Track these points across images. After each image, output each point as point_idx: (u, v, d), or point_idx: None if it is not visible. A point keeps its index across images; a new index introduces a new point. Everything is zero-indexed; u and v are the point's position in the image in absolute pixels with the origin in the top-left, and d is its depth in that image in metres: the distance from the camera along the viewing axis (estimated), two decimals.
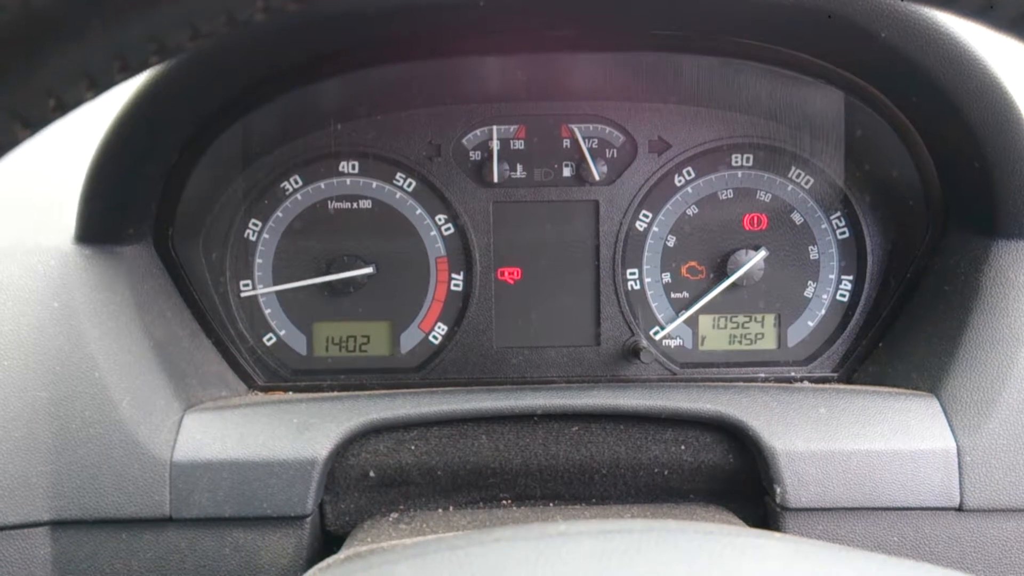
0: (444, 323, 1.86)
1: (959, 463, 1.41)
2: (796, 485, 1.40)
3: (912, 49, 1.39)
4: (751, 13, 1.46)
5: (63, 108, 0.47)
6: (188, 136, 1.58)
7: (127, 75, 0.47)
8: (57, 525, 1.37)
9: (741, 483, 1.49)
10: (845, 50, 1.53)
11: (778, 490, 1.40)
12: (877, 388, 1.57)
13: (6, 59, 0.43)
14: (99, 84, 0.47)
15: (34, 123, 0.47)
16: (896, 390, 1.54)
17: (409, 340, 1.86)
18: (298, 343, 1.85)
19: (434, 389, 1.58)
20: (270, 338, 1.84)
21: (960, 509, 1.41)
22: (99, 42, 0.45)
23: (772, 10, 1.39)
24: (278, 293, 1.84)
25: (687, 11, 1.51)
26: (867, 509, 1.41)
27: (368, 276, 1.82)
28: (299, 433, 1.43)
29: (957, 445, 1.41)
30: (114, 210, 1.55)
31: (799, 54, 1.58)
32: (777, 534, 0.94)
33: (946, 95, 1.43)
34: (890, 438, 1.43)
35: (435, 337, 1.86)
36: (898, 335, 1.71)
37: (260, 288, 1.83)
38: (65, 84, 0.46)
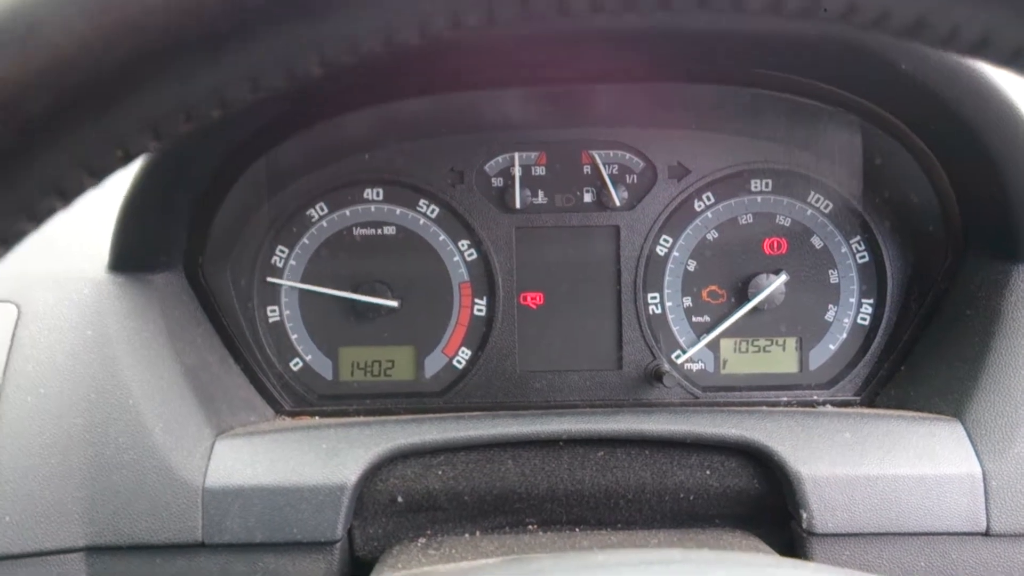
0: (468, 348, 1.87)
1: (985, 488, 1.41)
2: (822, 511, 1.40)
3: (933, 79, 1.40)
4: (776, 48, 1.48)
5: (128, 158, 0.49)
6: (218, 166, 1.60)
7: (191, 125, 0.50)
8: (92, 551, 1.39)
9: (767, 508, 1.50)
10: (865, 80, 1.55)
11: (804, 516, 1.41)
12: (901, 412, 1.58)
13: (79, 111, 0.46)
14: (163, 135, 0.49)
15: (99, 173, 0.49)
16: (920, 414, 1.55)
17: (433, 365, 1.88)
18: (324, 368, 1.88)
19: (460, 414, 1.60)
20: (297, 363, 1.87)
21: (987, 534, 1.41)
22: (169, 95, 0.47)
23: (799, 44, 1.41)
24: (305, 319, 1.86)
25: (713, 48, 1.53)
26: (893, 534, 1.42)
27: (393, 301, 1.84)
28: (328, 459, 1.45)
29: (983, 470, 1.42)
30: (147, 239, 1.58)
31: (818, 83, 1.60)
32: (811, 564, 0.94)
33: (966, 123, 1.45)
34: (915, 463, 1.43)
35: (459, 362, 1.88)
36: (920, 359, 1.72)
37: (287, 313, 1.86)
38: (133, 135, 0.48)
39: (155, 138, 0.49)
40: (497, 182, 1.86)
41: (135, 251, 1.57)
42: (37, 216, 0.49)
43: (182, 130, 0.50)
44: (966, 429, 1.47)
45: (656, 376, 1.80)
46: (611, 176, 1.85)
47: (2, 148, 0.45)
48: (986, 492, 1.41)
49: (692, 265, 1.86)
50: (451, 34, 0.49)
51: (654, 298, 1.86)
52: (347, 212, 1.86)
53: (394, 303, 1.84)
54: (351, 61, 0.50)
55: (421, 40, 0.50)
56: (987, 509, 1.41)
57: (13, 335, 1.48)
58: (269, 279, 1.85)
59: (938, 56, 1.38)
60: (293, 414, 1.78)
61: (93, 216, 1.62)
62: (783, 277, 1.82)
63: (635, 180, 1.86)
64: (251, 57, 0.48)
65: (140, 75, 0.46)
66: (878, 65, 1.41)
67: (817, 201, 1.84)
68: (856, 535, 1.42)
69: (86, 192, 0.50)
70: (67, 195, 0.49)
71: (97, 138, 0.47)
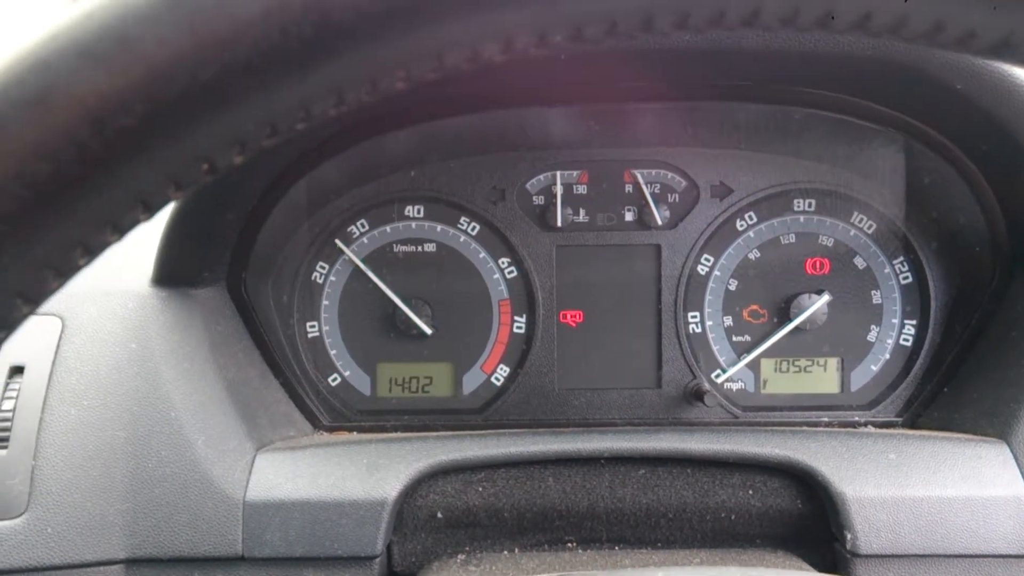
0: (506, 365, 1.87)
1: None
2: (867, 531, 1.39)
3: (986, 100, 1.40)
4: (826, 67, 1.47)
5: (215, 172, 0.49)
6: (266, 185, 1.62)
7: (274, 140, 0.50)
8: (132, 563, 1.39)
9: (809, 529, 1.49)
10: (914, 99, 1.54)
11: (848, 536, 1.39)
12: (946, 434, 1.56)
13: (170, 125, 0.46)
14: (248, 149, 0.49)
15: (184, 185, 0.50)
16: (965, 436, 1.53)
17: (471, 382, 1.88)
18: (362, 384, 1.88)
19: (500, 431, 1.59)
20: (335, 378, 1.87)
21: None
22: (257, 109, 0.47)
23: (849, 64, 1.41)
24: (343, 335, 1.87)
25: (760, 67, 1.52)
26: (938, 556, 1.40)
27: (430, 319, 1.84)
28: (369, 474, 1.45)
29: None
30: (191, 255, 1.59)
31: (864, 102, 1.59)
32: None
33: (1018, 145, 1.44)
34: (961, 485, 1.41)
35: (497, 379, 1.87)
36: (964, 381, 1.70)
37: (326, 329, 1.87)
38: (219, 149, 0.48)
39: (241, 152, 0.49)
40: (538, 200, 1.86)
41: (179, 266, 1.58)
42: (122, 227, 0.50)
43: (266, 144, 0.50)
44: (1012, 451, 1.46)
45: (697, 395, 1.79)
46: (653, 195, 1.84)
47: (95, 159, 0.45)
48: None
49: (733, 284, 1.85)
50: (537, 51, 0.49)
51: (694, 317, 1.86)
52: (387, 228, 1.86)
53: (427, 330, 1.84)
54: (435, 77, 0.50)
55: (504, 56, 0.50)
56: None
57: (57, 348, 1.49)
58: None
59: (993, 76, 1.37)
60: (331, 429, 1.78)
61: (138, 231, 1.63)
62: (825, 297, 1.81)
63: (677, 199, 1.85)
64: (338, 72, 0.48)
65: (231, 89, 0.46)
66: (930, 84, 1.41)
67: (860, 221, 1.83)
68: (900, 556, 1.40)
69: (168, 204, 0.50)
70: (152, 207, 0.50)
71: (185, 151, 0.47)
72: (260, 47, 0.45)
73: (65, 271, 0.50)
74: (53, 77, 0.44)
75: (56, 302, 1.53)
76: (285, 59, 0.46)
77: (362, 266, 1.84)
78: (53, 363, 1.47)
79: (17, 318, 0.50)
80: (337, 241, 1.86)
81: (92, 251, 0.50)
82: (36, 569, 1.36)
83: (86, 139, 0.45)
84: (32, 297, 0.50)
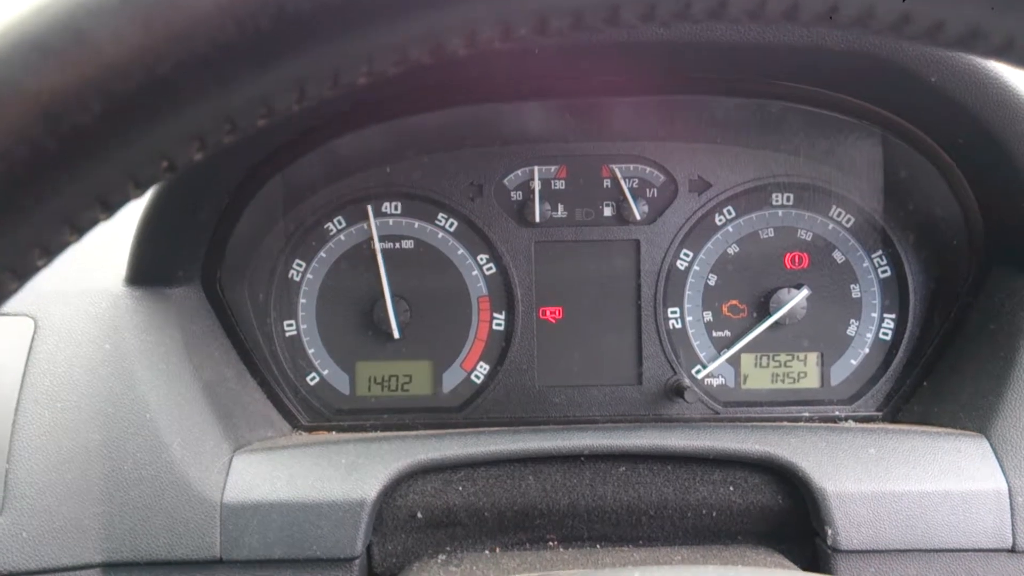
0: (486, 362, 1.86)
1: (1011, 504, 1.40)
2: (847, 527, 1.39)
3: (961, 92, 1.39)
4: (803, 61, 1.47)
5: (174, 169, 0.48)
6: (238, 181, 1.60)
7: (235, 136, 0.49)
8: (109, 567, 1.37)
9: (790, 524, 1.48)
10: (890, 92, 1.54)
11: (829, 532, 1.39)
12: (925, 428, 1.56)
13: (128, 121, 0.45)
14: (208, 145, 0.48)
15: (144, 183, 0.48)
16: (945, 430, 1.53)
17: (451, 379, 1.87)
18: (341, 383, 1.87)
19: (480, 429, 1.58)
20: (313, 378, 1.86)
21: (1013, 550, 1.39)
22: (216, 104, 0.46)
23: (825, 57, 1.41)
24: (321, 333, 1.86)
25: (737, 60, 1.52)
26: (919, 551, 1.40)
27: (408, 316, 1.83)
28: (348, 474, 1.43)
29: (1009, 486, 1.40)
30: (165, 254, 1.57)
31: (841, 96, 1.59)
32: None
33: (993, 137, 1.44)
34: (941, 479, 1.42)
35: (477, 376, 1.86)
36: (943, 374, 1.70)
37: (304, 327, 1.85)
38: (179, 145, 0.47)
39: (200, 148, 0.48)
40: (516, 196, 1.85)
41: (153, 265, 1.56)
42: (80, 227, 0.49)
43: (227, 140, 0.49)
44: (992, 445, 1.46)
45: (677, 391, 1.79)
46: (631, 190, 1.84)
47: (49, 157, 0.44)
48: (1012, 508, 1.40)
49: (713, 279, 1.85)
50: (502, 45, 0.48)
51: (674, 312, 1.85)
52: (364, 226, 1.85)
53: (396, 333, 1.84)
54: (398, 71, 0.49)
55: (468, 50, 0.49)
56: (1013, 525, 1.39)
57: (30, 349, 1.47)
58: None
59: (967, 69, 1.37)
60: (310, 429, 1.77)
61: (110, 230, 1.61)
62: (804, 292, 1.80)
63: (655, 194, 1.85)
64: (297, 66, 0.47)
65: (187, 84, 0.45)
66: (905, 78, 1.41)
67: (839, 215, 1.83)
68: (881, 551, 1.40)
69: (129, 203, 0.49)
70: (111, 206, 0.48)
71: (144, 148, 0.46)
72: (216, 41, 0.44)
73: (23, 273, 0.49)
74: (4, 72, 0.43)
75: (29, 302, 1.51)
76: (242, 53, 0.45)
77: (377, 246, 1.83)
78: (26, 364, 1.45)
79: None
80: (369, 208, 1.85)
81: (51, 252, 0.49)
82: (11, 574, 1.34)
83: (40, 136, 0.44)
84: None
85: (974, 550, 1.40)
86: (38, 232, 0.47)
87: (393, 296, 1.82)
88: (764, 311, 1.82)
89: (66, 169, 0.45)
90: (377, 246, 1.83)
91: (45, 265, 0.50)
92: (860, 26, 0.49)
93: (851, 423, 1.70)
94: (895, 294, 1.83)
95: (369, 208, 1.83)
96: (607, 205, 1.86)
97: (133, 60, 0.43)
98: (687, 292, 1.85)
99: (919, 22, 0.49)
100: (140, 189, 0.49)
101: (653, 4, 0.47)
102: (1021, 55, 0.51)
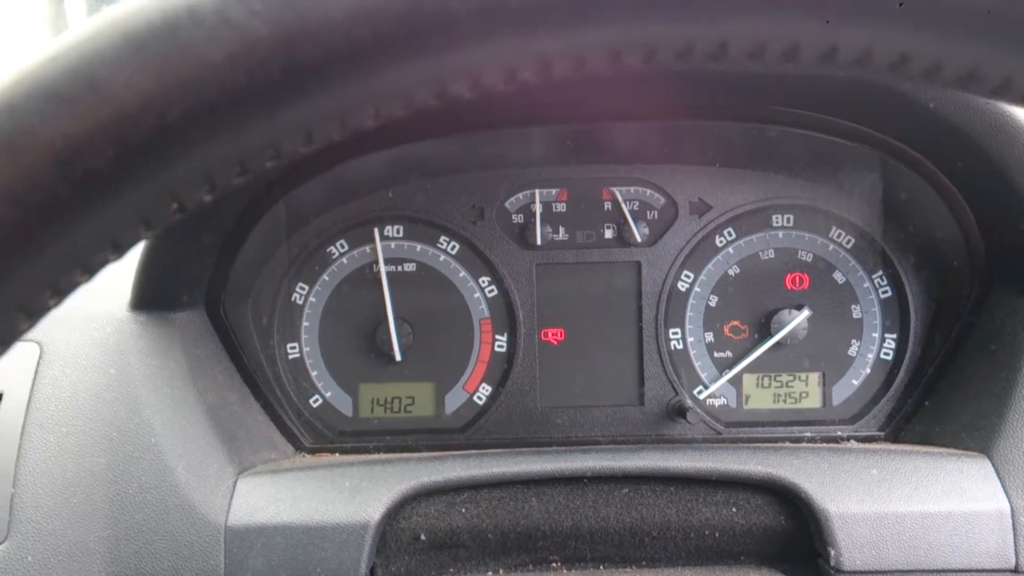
0: (488, 384, 1.87)
1: (1013, 524, 1.40)
2: (850, 548, 1.39)
3: (959, 118, 1.41)
4: (803, 88, 1.49)
5: (184, 211, 0.49)
6: (243, 207, 1.61)
7: (244, 178, 0.50)
8: None
9: (793, 545, 1.49)
10: (890, 118, 1.56)
11: (832, 553, 1.39)
12: (928, 448, 1.57)
13: (139, 165, 0.46)
14: (217, 187, 0.49)
15: (154, 225, 0.49)
16: (947, 450, 1.54)
17: (454, 401, 1.88)
18: (344, 405, 1.87)
19: (484, 451, 1.59)
20: (316, 400, 1.86)
21: (1016, 571, 1.39)
22: (226, 148, 0.47)
23: (825, 85, 1.42)
24: (324, 355, 1.86)
25: (738, 87, 1.53)
26: (922, 572, 1.40)
27: (411, 339, 1.84)
28: (351, 497, 1.44)
29: (1011, 506, 1.41)
30: (169, 279, 1.58)
31: (841, 121, 1.60)
32: None
33: (992, 161, 1.45)
34: (943, 500, 1.42)
35: (479, 398, 1.87)
36: (945, 394, 1.71)
37: (307, 350, 1.86)
38: (189, 188, 0.48)
39: (210, 191, 0.49)
40: (518, 218, 1.87)
41: (157, 290, 1.57)
42: (91, 268, 0.50)
43: (236, 183, 0.50)
44: (994, 465, 1.46)
45: (679, 412, 1.79)
46: (632, 212, 1.85)
47: (63, 201, 0.45)
48: (1015, 528, 1.40)
49: (714, 300, 1.86)
50: (505, 88, 0.49)
51: (675, 333, 1.86)
52: (367, 249, 1.86)
53: (398, 356, 1.84)
54: (405, 114, 0.50)
55: (473, 94, 0.50)
56: (1016, 546, 1.40)
57: (36, 373, 1.48)
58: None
59: (964, 95, 1.38)
60: (313, 451, 1.77)
61: None
62: (806, 312, 1.81)
63: (656, 216, 1.86)
64: (306, 111, 0.48)
65: (198, 130, 0.46)
66: (904, 104, 1.42)
67: (839, 236, 1.84)
68: (884, 572, 1.40)
69: (139, 243, 0.50)
70: (121, 247, 0.49)
71: (155, 191, 0.47)
72: (226, 89, 0.45)
73: (35, 312, 0.50)
74: (20, 120, 0.44)
75: (34, 328, 1.52)
76: (252, 100, 0.46)
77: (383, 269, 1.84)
78: (31, 389, 1.46)
79: None
80: (376, 231, 1.86)
81: (62, 292, 0.50)
82: None
83: (54, 182, 0.45)
84: (3, 338, 0.49)
85: (977, 571, 1.40)
86: (50, 273, 0.48)
87: (396, 318, 1.83)
88: (765, 332, 1.83)
89: (79, 212, 0.46)
90: (383, 269, 1.84)
91: (56, 305, 0.51)
92: (858, 68, 0.50)
93: (853, 443, 1.71)
94: (896, 314, 1.84)
95: (376, 231, 1.84)
96: (608, 227, 1.87)
97: (145, 107, 0.44)
98: (688, 313, 1.86)
99: (917, 64, 0.50)
100: (150, 230, 0.50)
101: (653, 48, 0.48)
102: (1019, 94, 0.52)
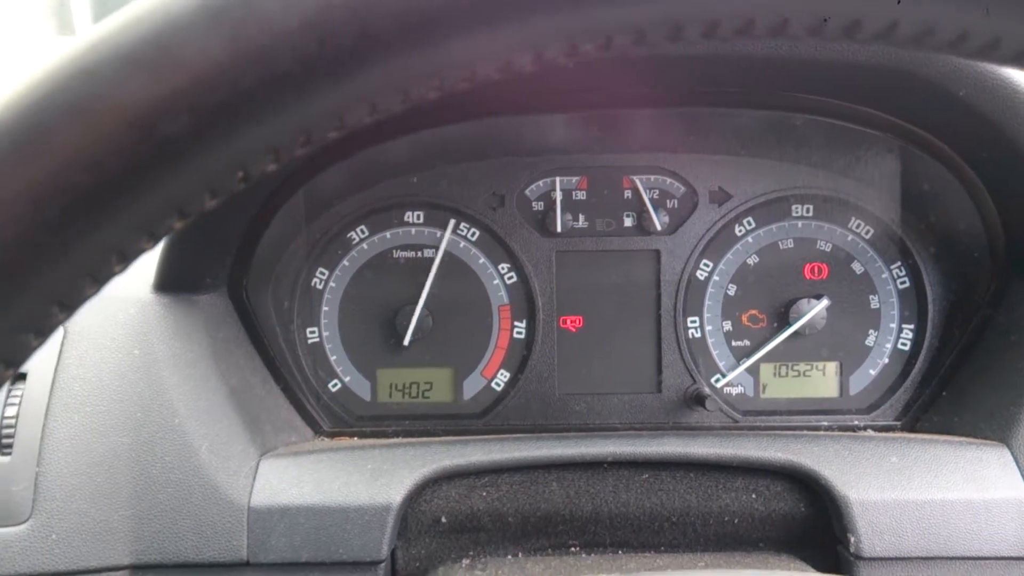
0: (507, 370, 1.88)
1: None
2: (870, 534, 1.40)
3: (989, 107, 1.41)
4: (827, 74, 1.48)
5: (249, 180, 0.50)
6: (269, 191, 1.62)
7: (308, 148, 0.51)
8: (137, 569, 1.39)
9: (812, 532, 1.49)
10: (915, 106, 1.55)
11: (852, 539, 1.40)
12: (947, 437, 1.57)
13: (211, 133, 0.46)
14: (282, 157, 0.50)
15: (220, 193, 0.50)
16: (966, 439, 1.54)
17: (472, 387, 1.88)
18: (362, 389, 1.88)
19: (503, 436, 1.60)
20: (335, 384, 1.87)
21: None
22: (294, 117, 0.48)
23: (851, 71, 1.42)
24: (343, 340, 1.87)
25: (761, 73, 1.53)
26: (941, 559, 1.41)
27: (429, 324, 1.84)
28: (373, 479, 1.45)
29: None
30: (193, 261, 1.59)
31: (864, 108, 1.61)
32: None
33: (1019, 151, 1.45)
34: (963, 488, 1.43)
35: (498, 384, 1.88)
36: (963, 385, 1.71)
37: (326, 335, 1.87)
38: (256, 157, 0.49)
39: (275, 160, 0.50)
40: (538, 206, 1.87)
41: (181, 272, 1.58)
42: (157, 234, 0.50)
43: (299, 152, 0.50)
44: (1013, 454, 1.47)
45: (698, 400, 1.80)
46: (652, 201, 1.85)
47: (135, 168, 0.46)
48: None
49: (732, 289, 1.86)
50: (566, 61, 0.50)
51: (694, 322, 1.86)
52: (387, 234, 1.87)
53: (406, 340, 1.85)
54: (467, 86, 0.50)
55: (535, 67, 0.50)
56: None
57: (60, 354, 1.49)
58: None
59: (996, 84, 1.38)
60: (332, 435, 1.78)
61: None
62: (824, 302, 1.82)
63: (676, 205, 1.86)
64: (373, 82, 0.48)
65: (269, 98, 0.47)
66: (930, 91, 1.42)
67: (858, 227, 1.84)
68: (903, 559, 1.41)
69: (202, 212, 0.51)
70: (187, 214, 0.50)
71: (222, 159, 0.48)
72: (298, 57, 0.46)
73: (101, 278, 0.50)
74: (97, 85, 0.45)
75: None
76: (322, 69, 0.47)
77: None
78: (55, 370, 1.47)
79: (53, 324, 0.51)
80: (451, 222, 1.87)
81: (127, 258, 0.50)
82: (41, 575, 1.35)
83: (128, 148, 0.45)
84: (69, 303, 0.50)
85: (996, 558, 1.41)
86: (119, 239, 0.49)
87: (415, 304, 1.84)
88: (784, 321, 1.84)
89: (150, 179, 0.47)
90: (438, 256, 1.86)
91: (121, 271, 0.51)
92: (883, 40, 0.50)
93: (870, 432, 1.71)
94: (914, 305, 1.84)
95: (451, 222, 1.86)
96: (628, 216, 1.87)
97: (219, 74, 0.45)
98: (707, 302, 1.87)
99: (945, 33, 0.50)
100: (215, 199, 0.50)
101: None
102: None
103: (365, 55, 0.47)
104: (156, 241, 0.51)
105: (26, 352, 0.51)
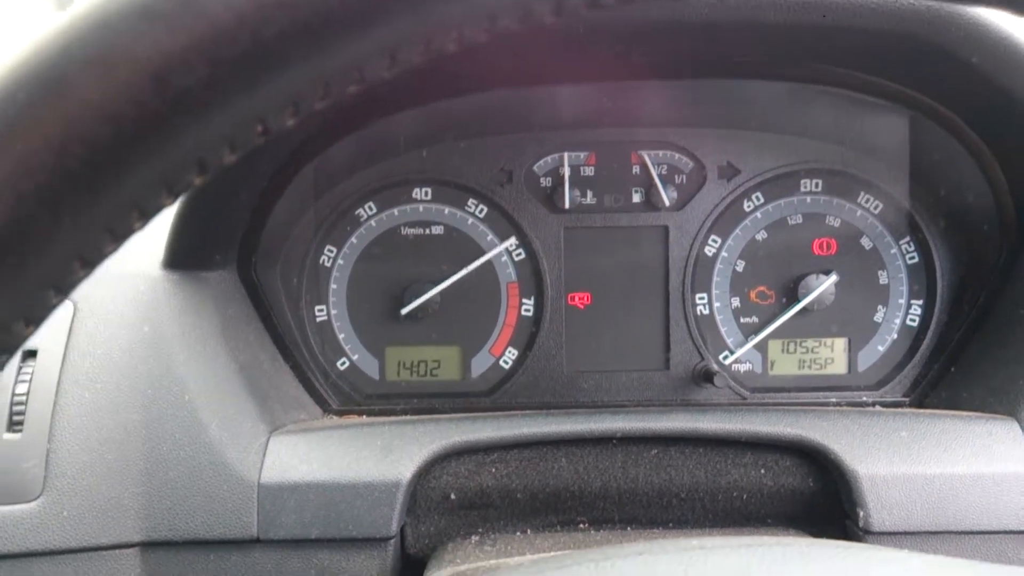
0: (515, 348, 1.88)
1: None
2: (879, 509, 1.40)
3: (1002, 74, 1.40)
4: (839, 42, 1.47)
5: (268, 133, 0.50)
6: (277, 167, 1.62)
7: (327, 102, 0.50)
8: (147, 546, 1.39)
9: (821, 507, 1.50)
10: (927, 74, 1.55)
11: (861, 514, 1.40)
12: (956, 412, 1.57)
13: (231, 85, 0.46)
14: (301, 111, 0.49)
15: (238, 148, 0.50)
16: (975, 414, 1.54)
17: (480, 364, 1.88)
18: (370, 367, 1.88)
19: (511, 412, 1.60)
20: (343, 362, 1.87)
21: None
22: (313, 69, 0.47)
23: (862, 39, 1.41)
24: (351, 318, 1.87)
25: (772, 41, 1.52)
26: (950, 533, 1.41)
27: (437, 302, 1.84)
28: (383, 455, 1.45)
29: None
30: (202, 238, 1.59)
31: (874, 78, 1.60)
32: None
33: None
34: (972, 462, 1.42)
35: (506, 361, 1.88)
36: (972, 360, 1.71)
37: (334, 313, 1.87)
38: (274, 110, 0.48)
39: (295, 114, 0.49)
40: (546, 182, 1.87)
41: (190, 249, 1.58)
42: (176, 190, 0.50)
43: (319, 106, 0.50)
44: (1022, 428, 1.47)
45: (706, 376, 1.80)
46: (660, 176, 1.85)
47: (155, 120, 0.46)
48: None
49: (741, 266, 1.86)
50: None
51: (702, 299, 1.86)
52: (395, 211, 1.86)
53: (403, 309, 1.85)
54: (485, 38, 0.50)
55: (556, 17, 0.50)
56: None
57: (70, 331, 1.49)
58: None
59: (1010, 50, 1.37)
60: (340, 413, 1.78)
61: None
62: (833, 278, 1.81)
63: (684, 180, 1.86)
64: (393, 33, 0.48)
65: (289, 49, 0.46)
66: (943, 59, 1.41)
67: (867, 202, 1.84)
68: (912, 533, 1.41)
69: (222, 166, 0.51)
70: (206, 169, 0.50)
71: (242, 112, 0.48)
72: (318, 8, 0.45)
73: (121, 233, 0.50)
74: (114, 36, 0.45)
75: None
76: (342, 20, 0.46)
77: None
78: (66, 346, 1.47)
79: (74, 281, 0.50)
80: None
81: (147, 214, 0.50)
82: (52, 552, 1.36)
83: (148, 99, 0.45)
84: (90, 260, 0.50)
85: (1005, 532, 1.41)
86: (138, 193, 0.49)
87: (426, 283, 1.83)
88: (792, 297, 1.83)
89: (169, 132, 0.47)
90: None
91: (141, 227, 0.51)
92: None
93: (878, 408, 1.71)
94: (922, 280, 1.84)
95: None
96: (636, 191, 1.87)
97: (239, 25, 0.45)
98: (715, 278, 1.86)
99: None
100: (234, 153, 0.50)
101: None
102: None
103: (385, 4, 0.46)
104: (175, 197, 0.51)
105: (46, 310, 0.51)
